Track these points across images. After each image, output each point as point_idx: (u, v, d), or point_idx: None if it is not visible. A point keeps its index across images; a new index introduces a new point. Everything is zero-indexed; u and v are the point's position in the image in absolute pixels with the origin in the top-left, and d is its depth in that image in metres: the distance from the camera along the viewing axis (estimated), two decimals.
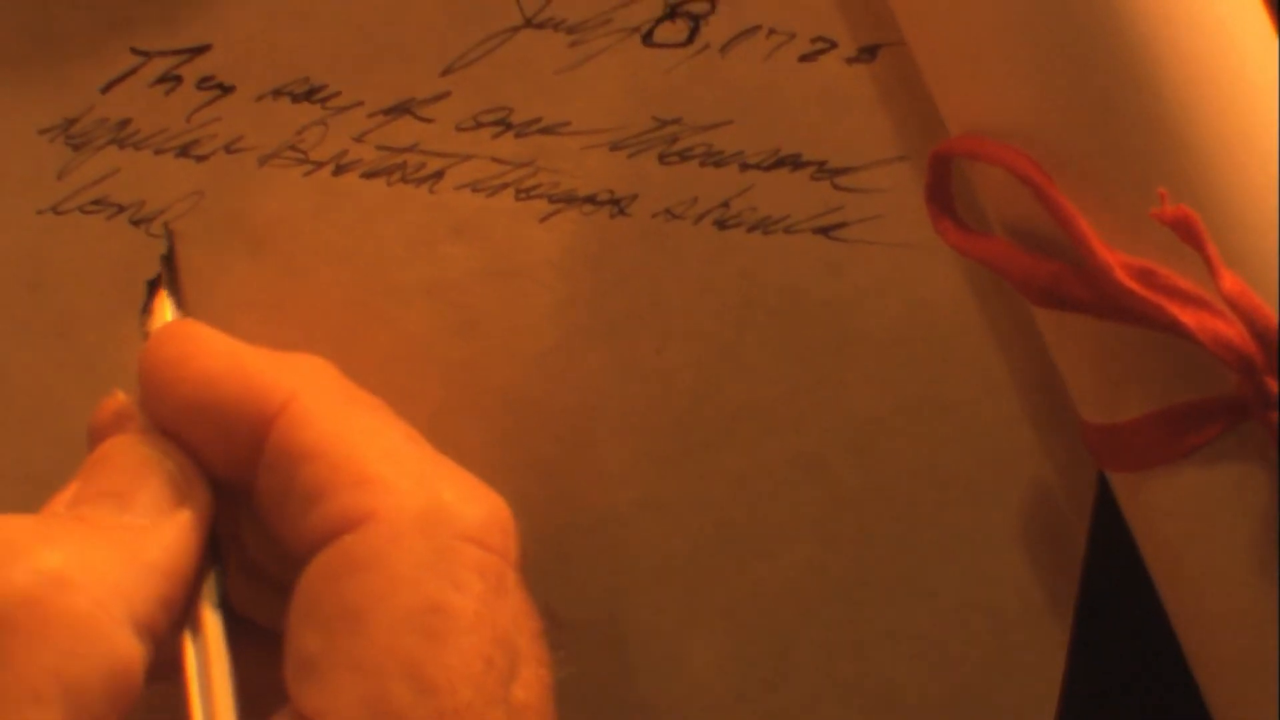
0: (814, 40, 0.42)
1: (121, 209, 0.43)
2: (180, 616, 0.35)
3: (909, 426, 0.44)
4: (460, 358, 0.44)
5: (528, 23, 0.42)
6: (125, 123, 0.43)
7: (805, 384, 0.44)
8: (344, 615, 0.33)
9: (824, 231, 0.43)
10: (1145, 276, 0.36)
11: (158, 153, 0.43)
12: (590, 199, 0.43)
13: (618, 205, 0.43)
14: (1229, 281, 0.36)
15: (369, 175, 0.43)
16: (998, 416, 0.44)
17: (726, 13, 0.42)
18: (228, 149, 0.43)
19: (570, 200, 0.43)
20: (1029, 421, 0.44)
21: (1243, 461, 0.38)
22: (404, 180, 0.43)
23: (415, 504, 0.34)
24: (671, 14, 0.42)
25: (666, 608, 0.45)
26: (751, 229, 0.43)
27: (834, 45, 0.42)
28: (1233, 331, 0.36)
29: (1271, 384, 0.36)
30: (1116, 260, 0.36)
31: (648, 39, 0.42)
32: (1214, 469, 0.38)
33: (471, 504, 0.35)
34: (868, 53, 0.42)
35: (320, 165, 0.43)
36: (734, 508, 0.45)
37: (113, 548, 0.34)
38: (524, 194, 0.43)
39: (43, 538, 0.34)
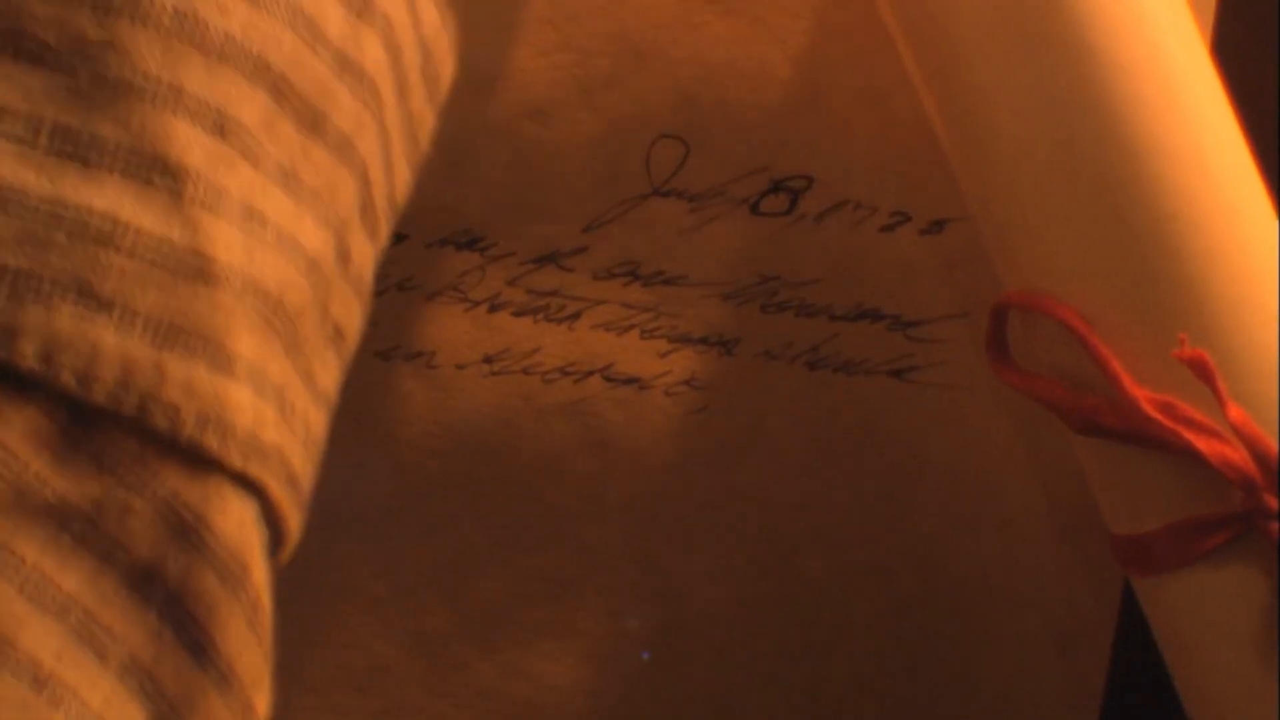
0: (893, 214, 0.47)
1: None
2: None
3: (963, 540, 0.48)
4: (589, 470, 0.48)
5: (655, 192, 0.47)
6: None
7: (876, 502, 0.48)
8: None
9: (896, 374, 0.48)
10: (1166, 409, 0.41)
11: None
12: (703, 340, 0.47)
13: (725, 346, 0.48)
14: (1235, 412, 0.41)
15: (518, 314, 0.47)
16: (1037, 534, 0.48)
17: (821, 189, 0.47)
18: (400, 286, 0.47)
19: (686, 340, 0.47)
20: (1063, 539, 0.48)
21: (1245, 565, 0.42)
22: (547, 319, 0.47)
23: None
24: (775, 188, 0.47)
25: (753, 693, 0.49)
26: (836, 370, 0.48)
27: (909, 219, 0.47)
28: (1237, 455, 0.41)
29: (1270, 500, 0.41)
30: (1143, 395, 0.41)
31: (755, 209, 0.47)
32: (1221, 572, 0.42)
33: None
34: (937, 226, 0.47)
35: (478, 304, 0.47)
36: (813, 607, 0.48)
37: None
38: (648, 334, 0.47)
39: None
